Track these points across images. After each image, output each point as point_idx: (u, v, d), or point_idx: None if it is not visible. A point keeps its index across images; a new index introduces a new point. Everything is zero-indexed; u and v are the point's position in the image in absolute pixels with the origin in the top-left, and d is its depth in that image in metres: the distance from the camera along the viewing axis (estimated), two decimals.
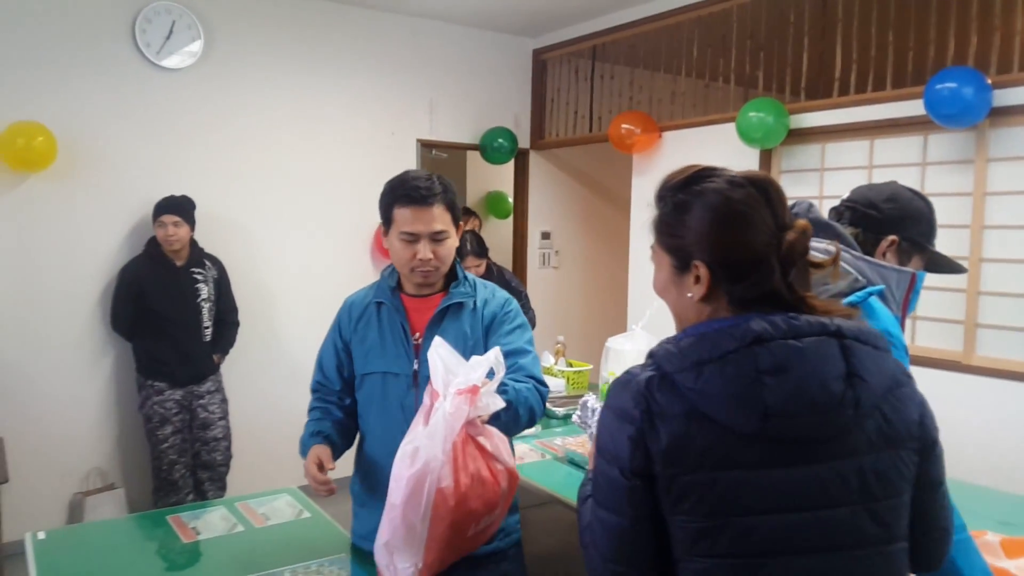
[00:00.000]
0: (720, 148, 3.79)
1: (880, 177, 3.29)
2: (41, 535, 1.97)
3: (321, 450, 1.77)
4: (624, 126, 4.14)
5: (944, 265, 1.68)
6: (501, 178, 6.24)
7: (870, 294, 1.30)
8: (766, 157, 3.66)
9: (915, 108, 3.06)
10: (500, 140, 4.70)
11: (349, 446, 1.90)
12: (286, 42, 4.06)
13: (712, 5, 3.88)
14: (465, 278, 1.78)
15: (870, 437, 0.94)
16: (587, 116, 4.81)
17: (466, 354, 1.60)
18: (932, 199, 3.34)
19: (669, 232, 1.04)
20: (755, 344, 0.93)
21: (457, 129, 4.70)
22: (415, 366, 1.70)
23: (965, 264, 2.99)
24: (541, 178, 5.16)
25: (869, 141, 3.33)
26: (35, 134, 3.30)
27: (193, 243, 3.55)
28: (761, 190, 0.99)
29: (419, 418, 1.41)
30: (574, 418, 1.41)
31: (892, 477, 0.96)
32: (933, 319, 3.09)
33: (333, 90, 4.21)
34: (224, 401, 3.64)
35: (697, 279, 1.01)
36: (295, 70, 4.09)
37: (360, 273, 4.38)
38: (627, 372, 1.02)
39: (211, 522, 2.07)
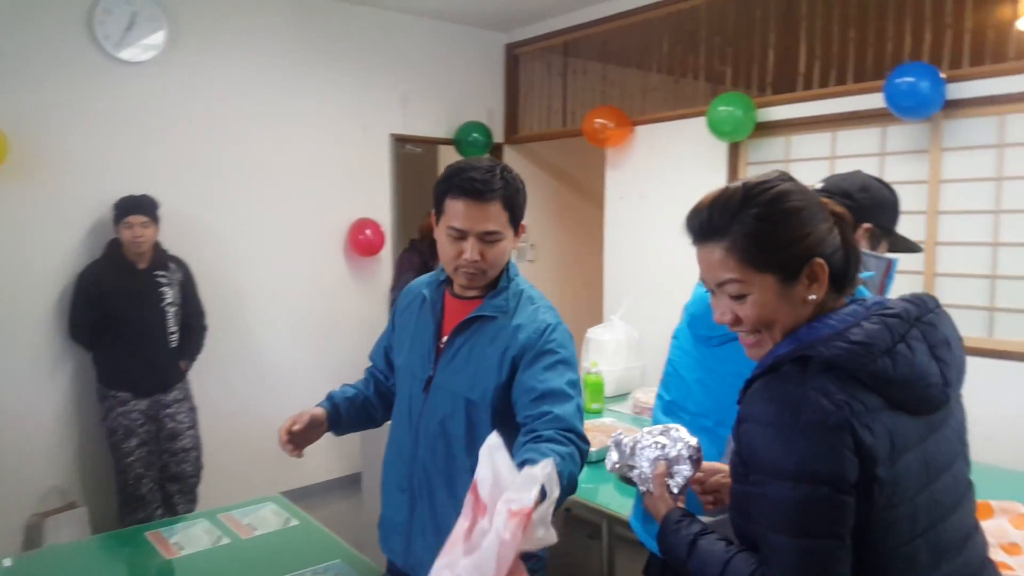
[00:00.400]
0: (690, 141, 3.93)
1: (842, 167, 3.46)
2: (7, 562, 1.80)
3: (311, 412, 1.70)
4: (598, 121, 4.25)
5: (904, 246, 1.80)
6: None
7: (863, 281, 1.42)
8: (734, 149, 3.80)
9: (874, 101, 3.21)
10: (475, 135, 4.76)
11: (363, 425, 1.82)
12: (255, 35, 3.97)
13: (681, 2, 3.99)
14: (508, 288, 1.56)
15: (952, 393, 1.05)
16: (560, 111, 4.90)
17: (489, 376, 1.49)
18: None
19: (766, 248, 0.99)
20: (918, 323, 1.00)
21: (430, 123, 4.72)
22: (431, 371, 1.58)
23: (922, 247, 3.17)
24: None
25: (832, 133, 3.49)
26: None
27: (156, 244, 3.39)
28: (798, 184, 1.07)
29: (458, 537, 1.07)
30: (609, 466, 1.27)
31: (962, 423, 1.09)
32: None
33: (303, 84, 4.15)
34: (192, 410, 3.47)
35: (811, 279, 1.00)
36: (264, 64, 4.01)
37: (333, 272, 4.35)
38: (779, 383, 0.95)
39: (194, 536, 1.95)
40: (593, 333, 3.41)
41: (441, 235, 1.54)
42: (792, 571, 0.92)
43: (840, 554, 0.91)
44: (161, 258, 3.41)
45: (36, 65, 3.37)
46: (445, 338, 1.59)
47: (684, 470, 1.20)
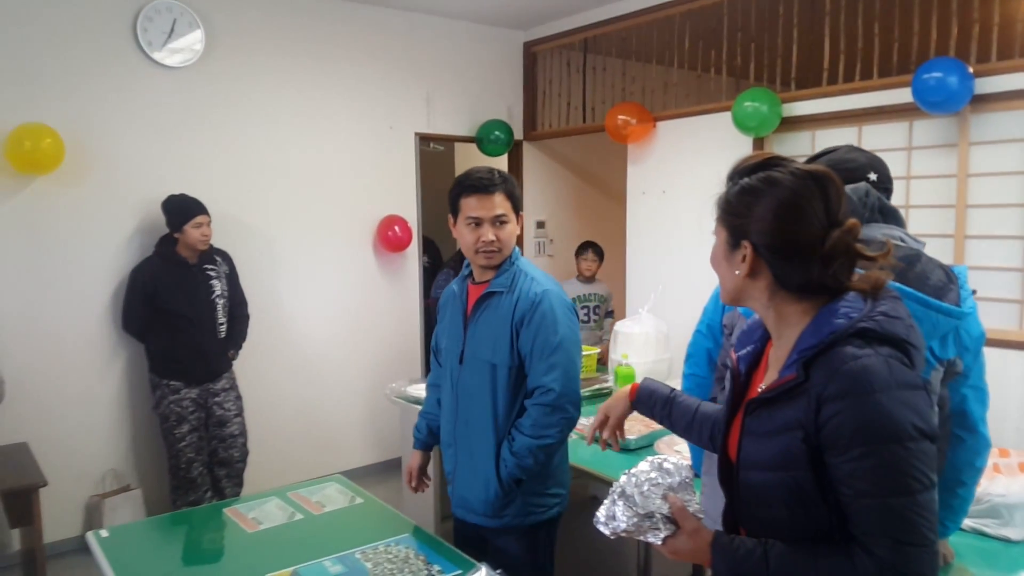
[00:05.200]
0: (714, 136, 3.95)
1: None
2: (104, 532, 2.00)
3: (415, 459, 2.20)
4: (620, 117, 4.28)
5: None
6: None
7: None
8: (759, 145, 3.82)
9: (901, 96, 3.24)
10: (497, 132, 4.79)
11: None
12: (286, 38, 4.09)
13: None
14: (510, 269, 1.94)
15: None
16: (580, 107, 4.93)
17: (503, 341, 1.89)
18: (918, 181, 3.56)
19: (730, 210, 1.11)
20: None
21: (453, 122, 4.78)
22: (462, 346, 1.97)
23: (951, 242, 3.20)
24: (534, 168, 5.27)
25: (857, 128, 3.51)
26: (42, 136, 3.28)
27: None
28: (820, 185, 1.06)
29: None
30: (602, 517, 1.16)
31: None
32: None
33: (333, 85, 4.26)
34: (239, 398, 3.68)
35: (743, 257, 1.09)
36: (295, 66, 4.13)
37: (364, 267, 4.48)
38: (854, 358, 0.99)
39: (269, 512, 2.12)
40: (622, 326, 3.44)
41: (461, 229, 1.92)
42: (912, 528, 0.95)
43: (936, 500, 0.98)
44: (209, 252, 3.57)
45: (85, 72, 3.52)
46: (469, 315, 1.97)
47: (692, 499, 1.15)
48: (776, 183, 1.07)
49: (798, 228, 1.05)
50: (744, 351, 1.24)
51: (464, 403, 1.97)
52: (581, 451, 2.53)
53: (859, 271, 1.09)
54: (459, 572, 1.74)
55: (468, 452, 1.97)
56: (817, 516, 1.02)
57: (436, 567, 1.78)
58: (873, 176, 1.51)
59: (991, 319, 3.12)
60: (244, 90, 3.97)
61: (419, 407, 3.00)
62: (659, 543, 1.13)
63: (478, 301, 1.94)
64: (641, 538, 1.14)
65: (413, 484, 2.19)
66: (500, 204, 1.89)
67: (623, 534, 1.14)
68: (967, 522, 1.79)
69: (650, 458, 1.18)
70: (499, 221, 1.89)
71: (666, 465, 1.16)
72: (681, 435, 1.48)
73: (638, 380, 1.54)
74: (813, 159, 1.62)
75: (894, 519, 0.96)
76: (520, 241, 5.28)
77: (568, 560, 3.37)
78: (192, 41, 3.77)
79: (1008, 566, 1.66)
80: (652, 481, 1.14)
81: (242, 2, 3.94)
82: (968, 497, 1.55)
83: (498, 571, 1.66)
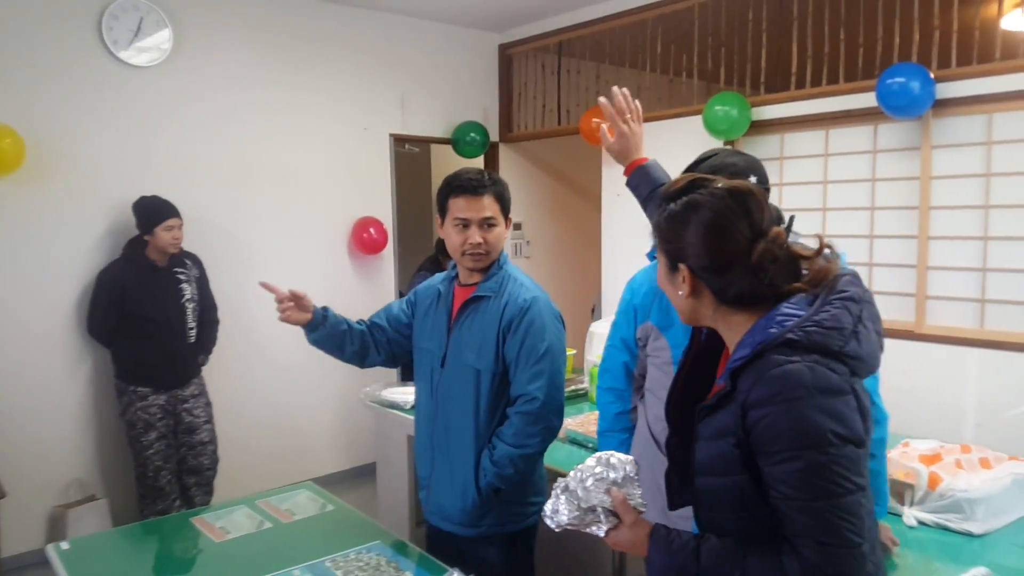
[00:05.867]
0: (686, 140, 3.99)
1: (835, 164, 3.56)
2: (65, 545, 1.94)
3: (307, 297, 2.11)
4: (595, 120, 4.30)
5: None
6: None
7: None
8: (730, 148, 3.88)
9: (866, 100, 3.31)
10: (472, 134, 4.80)
11: (333, 348, 2.17)
12: (258, 38, 4.04)
13: (674, 3, 4.06)
14: (498, 273, 1.89)
15: None
16: (555, 110, 4.95)
17: (488, 346, 1.85)
18: (883, 183, 3.64)
19: (663, 237, 1.17)
20: (864, 303, 1.09)
21: (428, 123, 4.77)
22: (445, 349, 1.92)
23: (915, 243, 3.28)
24: (510, 170, 5.29)
25: (824, 131, 3.58)
26: (2, 136, 3.18)
27: None
28: (740, 202, 1.10)
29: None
30: (566, 518, 1.17)
31: None
32: (888, 293, 3.36)
33: (306, 85, 4.22)
34: (208, 404, 3.60)
35: (683, 279, 1.14)
36: (267, 66, 4.08)
37: (338, 270, 4.43)
38: (778, 366, 1.00)
39: (237, 521, 2.07)
40: (597, 327, 3.49)
41: (449, 229, 1.89)
42: (834, 531, 0.98)
43: (866, 504, 1.01)
44: (179, 255, 3.50)
45: (49, 70, 3.44)
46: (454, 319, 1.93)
47: (636, 492, 1.17)
48: (698, 206, 1.11)
49: (724, 246, 1.09)
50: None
51: (444, 408, 1.92)
52: (556, 452, 2.55)
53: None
54: None
55: (446, 458, 1.92)
56: (763, 518, 1.05)
57: (408, 574, 1.76)
58: (753, 178, 1.56)
59: (952, 318, 3.20)
60: (215, 90, 3.91)
61: (394, 411, 3.02)
62: (602, 535, 1.17)
63: (464, 304, 1.90)
64: (585, 530, 1.17)
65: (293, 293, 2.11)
66: (489, 206, 1.85)
67: (568, 527, 1.17)
68: (930, 517, 1.84)
69: (596, 454, 1.20)
70: (487, 224, 1.85)
71: (612, 460, 1.18)
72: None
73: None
74: (694, 164, 1.69)
75: (818, 521, 0.98)
76: None
77: (543, 563, 3.36)
78: (160, 40, 3.71)
79: (970, 559, 1.70)
80: (596, 476, 1.16)
81: (212, 1, 3.88)
82: (881, 471, 1.59)
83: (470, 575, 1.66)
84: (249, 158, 4.05)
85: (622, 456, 1.19)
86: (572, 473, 1.19)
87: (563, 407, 1.87)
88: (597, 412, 2.81)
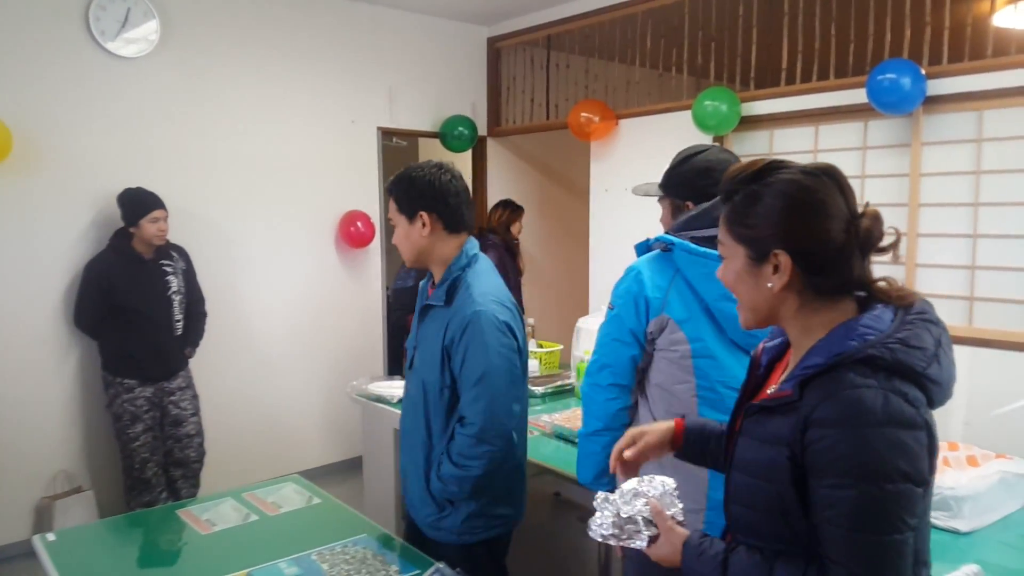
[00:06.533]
0: (675, 135, 3.97)
1: (826, 160, 3.55)
2: (51, 536, 1.95)
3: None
4: (583, 114, 4.29)
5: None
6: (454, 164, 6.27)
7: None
8: (719, 143, 3.86)
9: (856, 96, 3.30)
10: (460, 128, 4.77)
11: None
12: (245, 30, 4.00)
13: None
14: (448, 279, 1.79)
15: None
16: (543, 104, 4.93)
17: (434, 361, 1.79)
18: (872, 180, 3.65)
19: (743, 222, 1.04)
20: (938, 327, 1.01)
21: (416, 117, 4.74)
22: (413, 353, 1.93)
23: (904, 240, 3.27)
24: (499, 164, 5.26)
25: (814, 127, 3.57)
26: None
27: None
28: (833, 178, 1.02)
29: None
30: (594, 528, 1.19)
31: None
32: None
33: (293, 77, 4.19)
34: (195, 397, 3.60)
35: (776, 268, 1.01)
36: (255, 58, 4.04)
37: (325, 263, 4.41)
38: (852, 386, 0.94)
39: (223, 513, 2.08)
40: (584, 323, 3.45)
41: None
42: (871, 567, 0.93)
43: (912, 544, 0.95)
44: (165, 248, 3.49)
45: (35, 61, 3.40)
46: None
47: (676, 506, 1.17)
48: (796, 185, 1.01)
49: (829, 226, 0.99)
50: (773, 342, 1.19)
51: (406, 410, 1.95)
52: (543, 448, 2.53)
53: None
54: (417, 572, 1.71)
55: (410, 458, 1.92)
56: (797, 527, 1.01)
57: (394, 567, 1.75)
58: None
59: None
60: (202, 82, 3.88)
61: (381, 405, 3.00)
62: (644, 546, 1.15)
63: (419, 312, 1.89)
64: (627, 542, 1.16)
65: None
66: (392, 208, 1.85)
67: (609, 539, 1.17)
68: None
69: (638, 477, 1.22)
70: (392, 225, 1.87)
71: (654, 481, 1.19)
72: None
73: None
74: (687, 158, 1.70)
75: (856, 553, 0.94)
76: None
77: (530, 563, 3.36)
78: (147, 31, 3.67)
79: (958, 557, 1.70)
80: (635, 492, 1.18)
81: None
82: None
83: (456, 570, 1.64)
84: (237, 151, 4.02)
85: (662, 478, 1.20)
86: (613, 491, 1.20)
87: (508, 429, 1.74)
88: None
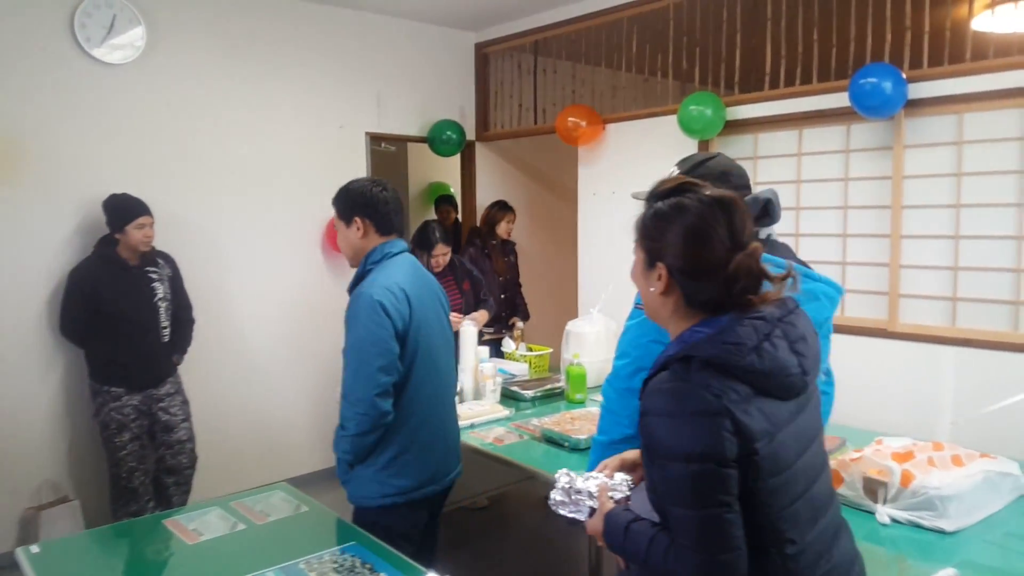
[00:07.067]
0: (661, 139, 4.01)
1: (809, 163, 3.59)
2: (35, 548, 1.91)
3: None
4: (570, 119, 4.30)
5: None
6: (443, 169, 6.30)
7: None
8: (704, 147, 3.89)
9: (839, 100, 3.33)
10: (449, 133, 4.77)
11: None
12: (232, 36, 3.99)
13: (650, 3, 4.07)
14: (362, 270, 2.12)
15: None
16: (531, 109, 4.94)
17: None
18: (856, 183, 3.68)
19: (646, 233, 1.22)
20: (780, 323, 1.15)
21: (404, 122, 4.74)
22: None
23: (887, 242, 3.31)
24: (487, 169, 5.27)
25: (798, 131, 3.60)
26: None
27: None
28: (726, 211, 1.15)
29: None
30: (553, 504, 1.36)
31: (819, 403, 1.26)
32: (861, 291, 3.40)
33: (281, 83, 4.18)
34: (185, 403, 3.57)
35: (659, 277, 1.19)
36: (242, 63, 4.03)
37: (313, 268, 4.40)
38: (669, 380, 1.11)
39: (210, 523, 2.06)
40: (573, 326, 3.46)
41: None
42: (693, 537, 1.08)
43: (729, 518, 1.07)
44: (151, 254, 3.46)
45: (21, 67, 3.39)
46: None
47: (623, 488, 1.31)
48: (685, 210, 1.16)
49: (704, 252, 1.14)
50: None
51: None
52: (532, 451, 2.53)
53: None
54: None
55: None
56: (659, 506, 1.16)
57: (382, 575, 1.75)
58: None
59: (925, 316, 3.24)
60: (188, 88, 3.86)
61: None
62: (584, 518, 1.31)
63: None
64: (574, 513, 1.32)
65: None
66: (335, 216, 2.16)
67: (559, 507, 1.34)
68: (903, 514, 1.85)
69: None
70: (336, 231, 2.16)
71: (617, 476, 1.33)
72: None
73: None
74: (701, 162, 1.74)
75: (681, 527, 1.10)
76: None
77: (521, 566, 3.37)
78: (133, 38, 3.65)
79: (943, 556, 1.71)
80: (595, 476, 1.33)
81: None
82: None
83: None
84: (224, 157, 4.00)
85: (624, 475, 1.34)
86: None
87: (366, 396, 1.97)
88: (578, 411, 2.83)
